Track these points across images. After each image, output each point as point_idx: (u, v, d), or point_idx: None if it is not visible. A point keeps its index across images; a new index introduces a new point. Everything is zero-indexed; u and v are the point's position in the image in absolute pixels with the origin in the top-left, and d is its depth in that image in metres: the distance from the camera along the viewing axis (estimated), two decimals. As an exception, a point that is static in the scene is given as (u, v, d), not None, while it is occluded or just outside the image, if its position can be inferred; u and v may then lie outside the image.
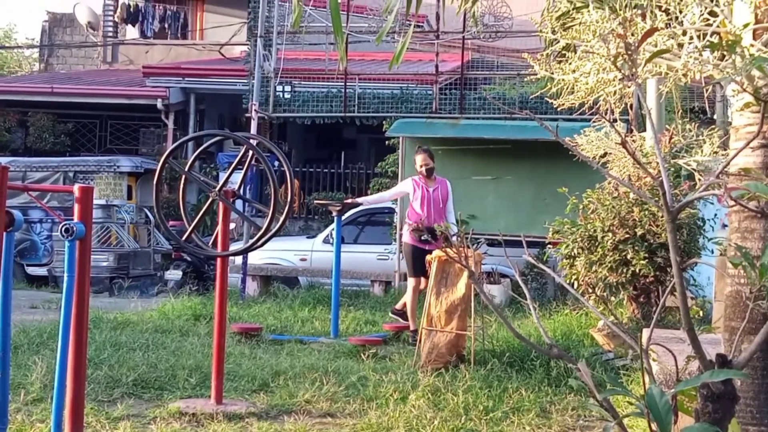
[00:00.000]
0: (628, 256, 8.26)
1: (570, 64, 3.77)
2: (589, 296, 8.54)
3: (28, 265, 16.95)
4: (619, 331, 2.70)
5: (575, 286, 8.70)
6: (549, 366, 7.55)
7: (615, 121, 7.06)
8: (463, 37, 15.78)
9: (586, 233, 8.63)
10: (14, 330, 7.72)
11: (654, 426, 2.50)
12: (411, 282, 9.41)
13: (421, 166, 9.51)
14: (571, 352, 8.21)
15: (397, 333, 9.64)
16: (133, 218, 17.59)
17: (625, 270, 8.34)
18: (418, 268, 9.11)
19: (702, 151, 7.28)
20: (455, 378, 7.23)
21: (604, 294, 8.59)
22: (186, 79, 21.05)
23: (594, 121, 7.89)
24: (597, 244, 8.51)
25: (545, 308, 11.15)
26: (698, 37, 3.35)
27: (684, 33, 3.37)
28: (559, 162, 10.67)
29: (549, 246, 9.88)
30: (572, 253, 8.75)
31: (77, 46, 27.80)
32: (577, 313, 10.30)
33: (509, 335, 8.73)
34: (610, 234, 8.39)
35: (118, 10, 25.66)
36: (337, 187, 19.19)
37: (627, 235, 8.32)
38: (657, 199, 2.74)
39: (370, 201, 11.98)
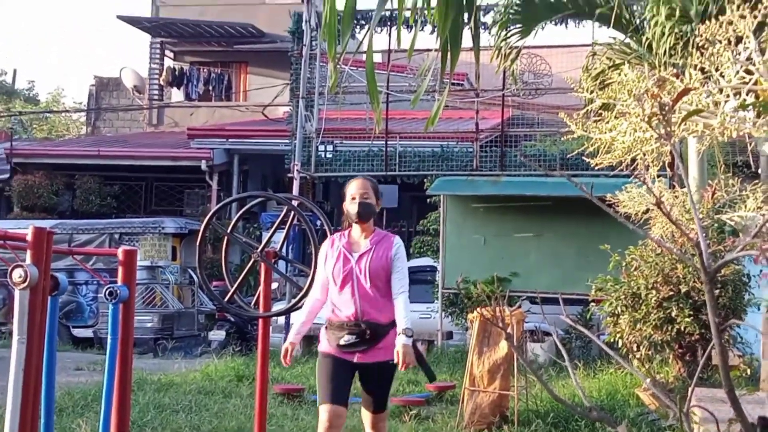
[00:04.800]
0: (673, 314, 8.13)
1: (607, 123, 3.78)
2: (633, 355, 8.42)
3: (74, 327, 17.07)
4: (659, 393, 2.67)
5: (619, 344, 8.59)
6: (594, 426, 7.44)
7: (655, 178, 7.04)
8: (503, 94, 15.85)
9: (630, 291, 8.52)
10: (59, 392, 7.78)
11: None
12: (321, 411, 5.26)
13: (352, 200, 5.35)
14: (617, 412, 8.07)
15: (440, 393, 9.56)
16: (178, 279, 17.73)
17: (669, 328, 8.21)
18: (333, 388, 5.23)
19: (746, 207, 7.20)
20: (499, 439, 7.15)
21: (650, 353, 8.48)
22: (230, 140, 21.33)
23: (634, 178, 7.86)
24: (641, 301, 8.39)
25: (590, 367, 10.99)
26: (735, 95, 3.35)
27: (720, 91, 3.36)
28: (601, 218, 10.58)
29: (592, 304, 9.77)
30: (616, 311, 8.63)
31: (123, 110, 28.30)
32: (623, 372, 10.14)
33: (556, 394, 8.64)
34: (653, 291, 8.28)
35: (164, 73, 26.15)
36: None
37: (671, 293, 8.21)
38: (696, 256, 2.72)
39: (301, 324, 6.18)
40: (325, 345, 5.35)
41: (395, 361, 5.10)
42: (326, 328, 5.34)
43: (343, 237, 5.39)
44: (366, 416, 5.36)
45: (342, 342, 5.18)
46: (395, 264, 5.30)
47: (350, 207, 5.33)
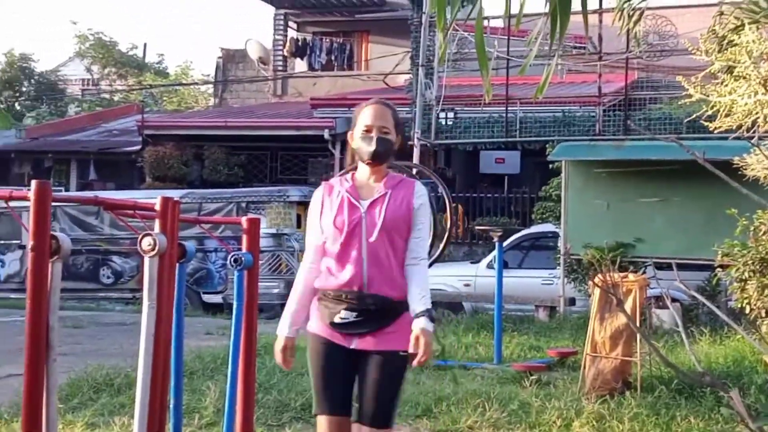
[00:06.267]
0: (805, 279, 7.91)
1: (726, 86, 3.71)
2: (762, 321, 8.21)
3: (204, 293, 17.57)
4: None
5: (747, 310, 8.39)
6: (720, 393, 7.30)
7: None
8: (627, 57, 15.55)
9: (758, 256, 8.29)
10: (190, 356, 8.08)
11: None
12: (318, 424, 4.02)
13: (366, 133, 4.01)
14: (744, 378, 7.90)
15: (561, 359, 9.52)
16: (302, 246, 18.04)
17: (801, 293, 7.99)
18: (331, 393, 3.99)
19: None
20: (621, 405, 7.05)
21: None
22: (352, 109, 21.41)
23: (759, 142, 7.64)
24: (769, 266, 8.18)
25: (717, 333, 10.75)
26: None
27: None
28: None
29: (719, 269, 9.55)
30: (743, 277, 8.41)
31: (249, 81, 28.86)
32: (754, 340, 9.91)
33: (679, 361, 8.51)
34: (784, 257, 8.06)
35: (287, 44, 26.52)
36: (502, 212, 19.12)
37: (802, 258, 7.98)
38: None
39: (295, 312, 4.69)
40: (315, 323, 3.97)
41: (409, 352, 3.79)
42: (319, 299, 3.96)
43: (345, 181, 4.01)
44: (361, 429, 3.89)
45: (338, 319, 3.84)
46: (416, 220, 3.96)
47: (363, 143, 3.96)
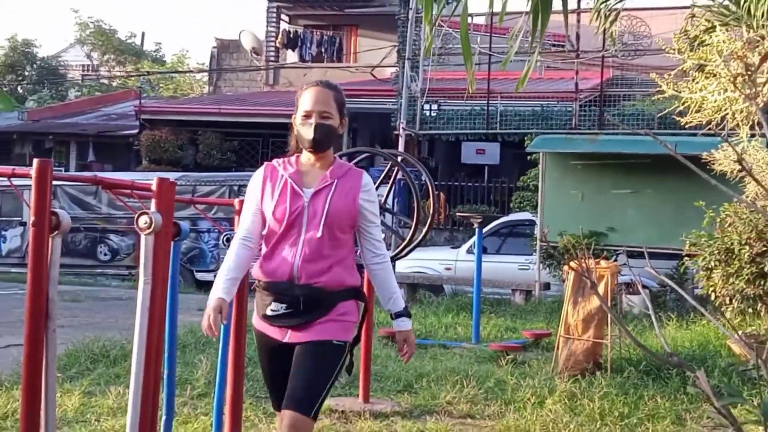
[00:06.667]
0: (765, 269, 7.96)
1: (697, 83, 3.73)
2: (726, 308, 8.28)
3: (197, 271, 17.56)
4: (739, 341, 2.67)
5: (712, 297, 8.46)
6: (686, 375, 7.35)
7: (752, 136, 6.87)
8: (603, 55, 15.58)
9: (723, 246, 8.36)
10: (182, 330, 8.07)
11: (771, 433, 2.46)
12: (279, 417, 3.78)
13: (305, 119, 3.60)
14: (708, 362, 7.95)
15: (536, 340, 9.57)
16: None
17: (762, 282, 8.04)
18: (276, 388, 3.70)
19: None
20: (591, 384, 7.07)
21: (742, 306, 8.32)
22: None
23: (723, 137, 7.68)
24: (734, 256, 8.23)
25: (683, 318, 10.80)
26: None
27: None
28: (698, 176, 10.27)
29: (686, 258, 9.62)
30: (709, 266, 8.48)
31: (242, 70, 28.79)
32: (718, 324, 9.98)
33: (648, 344, 8.55)
34: (747, 247, 8.11)
35: (279, 36, 26.44)
36: (481, 200, 19.15)
37: (765, 248, 8.03)
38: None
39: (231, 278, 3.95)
40: (254, 316, 3.70)
41: (340, 341, 3.51)
42: (254, 288, 3.68)
43: (289, 165, 3.63)
44: (282, 416, 3.49)
45: (269, 311, 3.53)
46: (366, 215, 3.61)
47: (303, 129, 3.58)
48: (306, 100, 3.61)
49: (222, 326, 3.98)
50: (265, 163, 3.73)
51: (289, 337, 3.52)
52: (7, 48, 37.13)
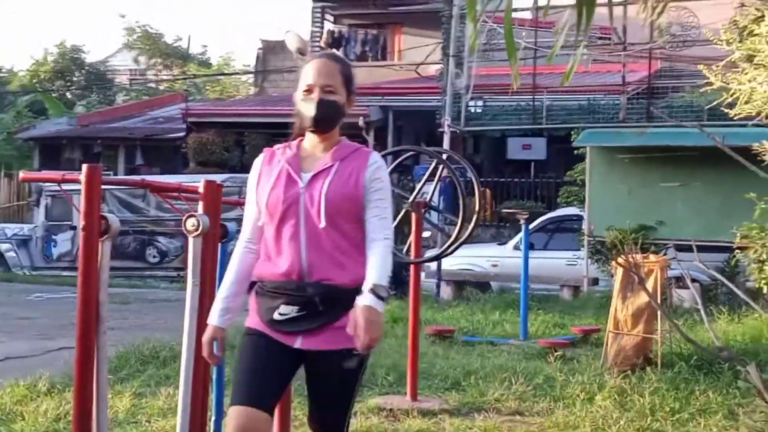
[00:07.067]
0: (822, 262, 7.82)
1: (746, 74, 3.67)
2: (778, 301, 8.14)
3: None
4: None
5: (765, 290, 8.31)
6: (737, 369, 7.24)
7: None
8: (650, 48, 15.40)
9: (776, 238, 8.22)
10: (230, 331, 8.12)
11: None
12: (229, 415, 3.10)
13: (306, 94, 3.20)
14: (761, 356, 7.84)
15: (585, 336, 9.50)
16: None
17: (818, 275, 7.90)
18: (253, 384, 3.09)
19: None
20: (641, 380, 7.03)
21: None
22: (385, 97, 21.51)
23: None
24: (787, 248, 8.09)
25: (735, 312, 10.65)
26: None
27: None
28: (748, 168, 10.11)
29: (737, 251, 9.47)
30: (761, 258, 8.33)
31: (288, 71, 28.84)
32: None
33: (698, 338, 8.45)
34: (802, 239, 7.97)
35: (324, 36, 26.50)
36: (528, 196, 19.06)
37: (819, 240, 7.89)
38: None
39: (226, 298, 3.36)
40: (253, 318, 3.17)
41: (352, 340, 2.95)
42: (256, 292, 3.15)
43: (288, 149, 3.23)
44: (262, 420, 3.01)
45: (277, 316, 3.04)
46: (372, 195, 3.10)
47: (304, 105, 3.17)
48: (308, 73, 3.18)
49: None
50: (264, 149, 3.34)
51: (300, 343, 3.04)
52: (56, 54, 37.66)
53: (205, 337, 3.19)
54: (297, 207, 3.04)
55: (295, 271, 3.03)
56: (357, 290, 2.95)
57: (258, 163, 3.27)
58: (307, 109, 3.14)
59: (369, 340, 2.87)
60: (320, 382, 3.11)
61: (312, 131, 3.18)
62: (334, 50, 3.21)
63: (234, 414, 3.00)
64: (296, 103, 3.19)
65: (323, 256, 3.02)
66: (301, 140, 3.25)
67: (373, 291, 2.93)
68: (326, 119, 3.16)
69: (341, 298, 2.99)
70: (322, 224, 3.00)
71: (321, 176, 3.07)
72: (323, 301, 3.01)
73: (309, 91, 3.14)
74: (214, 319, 3.19)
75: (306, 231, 3.02)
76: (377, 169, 3.13)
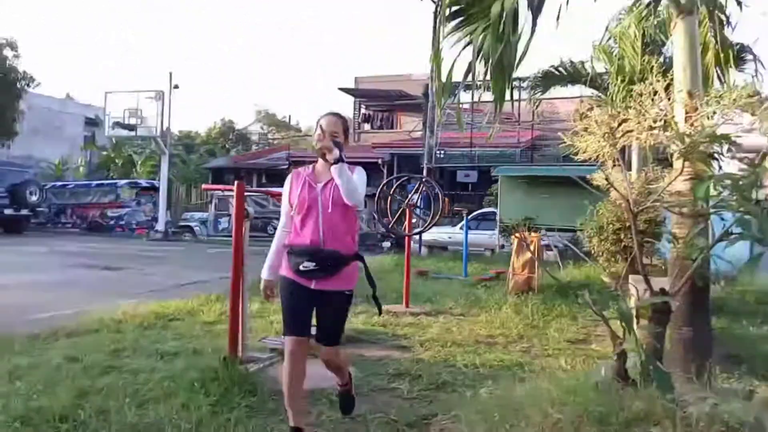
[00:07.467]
0: (621, 236, 7.74)
1: (584, 137, 3.68)
2: (601, 258, 8.07)
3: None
4: (607, 275, 2.62)
5: (592, 252, 8.22)
6: (577, 294, 7.18)
7: (613, 166, 6.68)
8: (533, 123, 15.18)
9: (598, 224, 8.15)
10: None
11: (624, 324, 2.43)
12: (286, 343, 2.84)
13: (318, 139, 2.86)
14: (590, 287, 7.70)
15: (497, 275, 9.43)
16: (369, 218, 18.06)
17: (620, 244, 7.83)
18: (294, 322, 2.84)
19: (663, 180, 6.74)
20: (527, 299, 7.01)
21: (609, 257, 8.10)
22: (392, 149, 21.41)
23: (600, 166, 7.51)
24: (604, 230, 8.00)
25: (577, 264, 10.44)
26: (654, 122, 3.18)
27: (645, 120, 3.20)
28: (584, 186, 10.17)
29: (579, 231, 9.39)
30: (590, 235, 8.26)
31: (341, 134, 28.80)
32: (596, 267, 9.74)
33: (558, 277, 8.38)
34: (611, 225, 7.90)
35: (360, 116, 26.47)
36: (467, 201, 18.90)
37: (620, 226, 7.80)
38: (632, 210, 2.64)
39: (273, 259, 3.01)
40: (285, 269, 2.89)
41: (350, 290, 2.84)
42: (288, 252, 2.87)
43: (307, 169, 2.98)
44: (321, 350, 2.91)
45: (302, 267, 2.79)
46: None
47: (318, 144, 2.86)
48: (321, 124, 2.89)
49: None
50: (293, 170, 3.05)
51: (314, 284, 2.78)
52: (220, 124, 37.79)
53: (263, 285, 2.92)
54: (316, 203, 2.80)
55: (315, 241, 2.77)
56: (349, 256, 2.80)
57: (289, 179, 2.97)
58: (325, 150, 2.82)
59: (326, 143, 2.75)
60: (325, 310, 2.82)
61: (322, 158, 2.85)
62: (338, 111, 2.92)
63: (288, 342, 2.80)
64: (314, 142, 2.87)
65: (333, 234, 2.77)
66: (315, 164, 2.94)
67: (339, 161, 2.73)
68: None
69: (340, 260, 2.78)
70: (332, 212, 2.77)
71: (330, 184, 2.82)
72: (330, 261, 2.77)
73: (322, 134, 2.84)
74: (265, 274, 2.92)
75: (322, 217, 2.78)
76: (358, 172, 2.86)
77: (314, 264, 2.75)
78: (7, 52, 21.99)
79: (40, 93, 25.38)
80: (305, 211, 2.80)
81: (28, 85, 22.55)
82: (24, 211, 18.01)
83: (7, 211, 17.63)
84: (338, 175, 2.70)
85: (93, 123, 28.89)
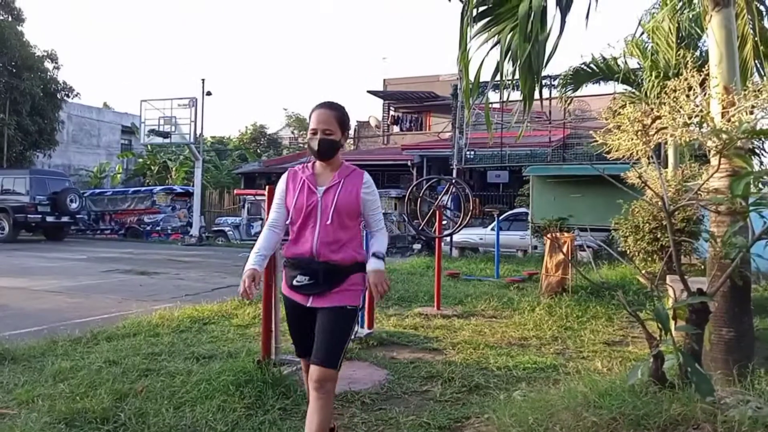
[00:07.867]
0: (658, 236, 7.58)
1: (617, 135, 3.61)
2: (636, 258, 7.90)
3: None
4: (643, 275, 2.58)
5: (628, 251, 8.07)
6: (612, 295, 7.06)
7: (649, 164, 6.52)
8: (564, 121, 14.95)
9: (633, 224, 7.99)
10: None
11: (660, 325, 2.38)
12: (302, 363, 2.72)
13: (312, 135, 2.54)
14: (626, 287, 7.61)
15: (530, 276, 9.34)
16: (399, 220, 18.09)
17: (656, 243, 7.66)
18: (299, 344, 2.63)
19: (701, 178, 6.57)
20: (560, 300, 6.91)
21: (645, 257, 7.93)
22: (422, 150, 21.42)
23: (633, 164, 7.33)
24: (639, 229, 7.85)
25: (611, 264, 10.33)
26: (689, 118, 3.11)
27: (680, 116, 3.13)
28: (617, 186, 9.98)
29: (613, 231, 9.22)
30: (625, 235, 8.11)
31: (370, 137, 28.92)
32: (631, 267, 9.54)
33: (591, 278, 8.25)
34: (647, 224, 7.74)
35: (389, 117, 26.54)
36: (499, 201, 18.76)
37: (657, 224, 7.65)
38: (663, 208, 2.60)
39: (262, 255, 2.61)
40: (284, 284, 2.63)
41: (352, 306, 2.51)
42: (284, 265, 2.63)
43: (306, 169, 2.63)
44: (311, 369, 2.47)
45: (295, 282, 2.54)
46: (368, 201, 2.57)
47: (310, 142, 2.57)
48: (312, 120, 2.56)
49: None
50: (289, 168, 2.70)
51: (311, 302, 2.51)
52: (252, 129, 38.40)
53: (246, 275, 2.46)
54: (315, 210, 2.51)
55: (309, 253, 2.49)
56: (350, 267, 2.50)
57: (284, 178, 2.65)
58: (313, 145, 2.55)
59: (381, 290, 2.43)
60: (321, 328, 2.48)
61: (318, 159, 2.59)
62: (332, 100, 2.56)
63: (302, 362, 2.65)
64: (307, 140, 2.59)
65: (329, 244, 2.48)
66: (314, 163, 2.63)
67: (376, 255, 2.49)
68: (326, 152, 2.55)
69: (338, 272, 2.49)
70: (329, 221, 2.49)
71: (332, 189, 2.53)
72: (325, 274, 2.48)
73: (314, 132, 2.54)
74: (251, 264, 2.51)
75: (321, 227, 2.49)
76: (368, 186, 2.57)
77: (307, 278, 2.49)
78: (48, 65, 22.84)
79: (79, 102, 26.29)
80: (302, 220, 2.52)
81: (67, 95, 23.39)
82: (65, 218, 18.59)
83: (49, 219, 18.23)
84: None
85: (129, 131, 29.77)
